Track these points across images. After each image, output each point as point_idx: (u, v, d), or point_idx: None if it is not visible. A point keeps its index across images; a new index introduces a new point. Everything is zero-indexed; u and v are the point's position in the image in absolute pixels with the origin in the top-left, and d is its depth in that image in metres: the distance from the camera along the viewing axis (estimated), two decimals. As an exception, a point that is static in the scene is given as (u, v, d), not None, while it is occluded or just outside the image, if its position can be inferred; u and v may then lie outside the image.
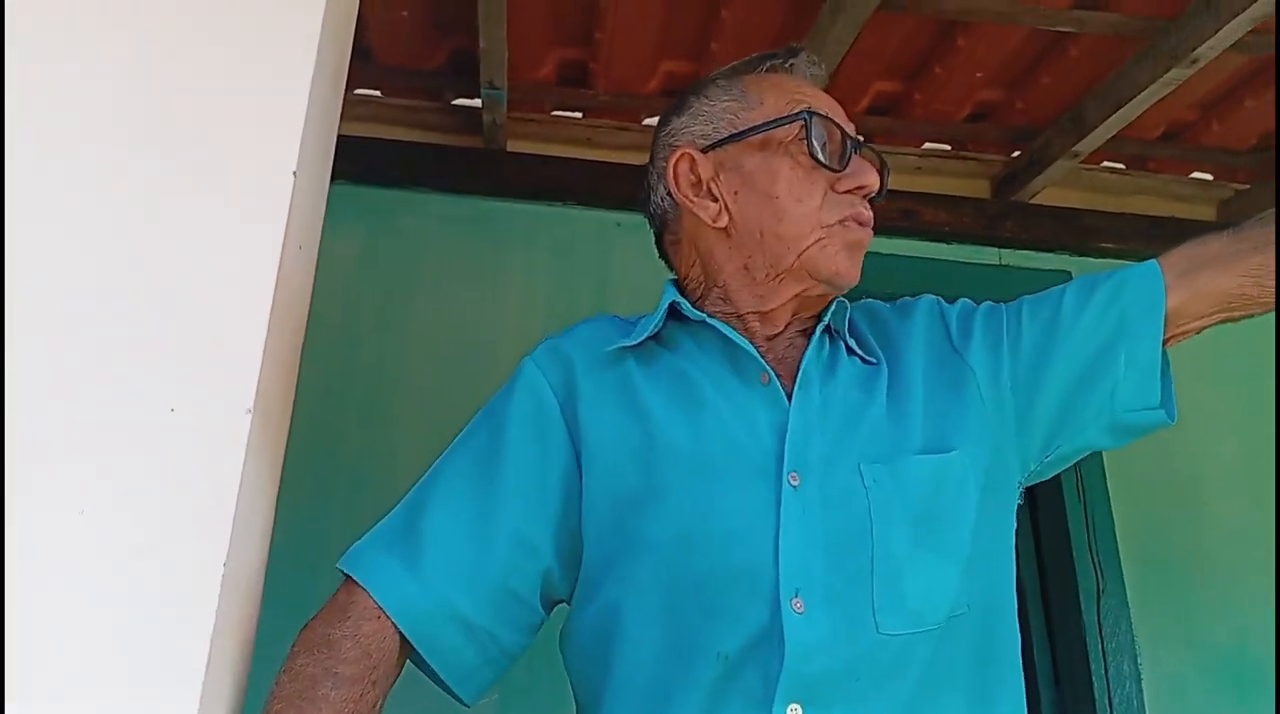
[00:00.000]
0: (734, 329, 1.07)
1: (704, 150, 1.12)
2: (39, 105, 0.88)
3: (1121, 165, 2.60)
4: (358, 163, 2.27)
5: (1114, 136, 2.24)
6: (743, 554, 0.92)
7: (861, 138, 1.11)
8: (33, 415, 0.78)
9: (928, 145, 2.53)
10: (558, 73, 2.30)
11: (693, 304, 1.11)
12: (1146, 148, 2.48)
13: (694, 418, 1.02)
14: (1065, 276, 2.48)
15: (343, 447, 2.13)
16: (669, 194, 1.15)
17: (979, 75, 2.21)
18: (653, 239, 1.25)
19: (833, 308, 1.10)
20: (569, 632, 1.05)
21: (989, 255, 2.52)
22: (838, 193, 1.07)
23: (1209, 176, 2.63)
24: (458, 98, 2.38)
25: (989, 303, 1.16)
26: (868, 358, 1.09)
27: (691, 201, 1.12)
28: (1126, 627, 2.20)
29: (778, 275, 1.07)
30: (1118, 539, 2.26)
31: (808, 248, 1.05)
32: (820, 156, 1.05)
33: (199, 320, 0.86)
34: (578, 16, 2.10)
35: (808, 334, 1.10)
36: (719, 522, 0.95)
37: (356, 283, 2.27)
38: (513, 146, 2.40)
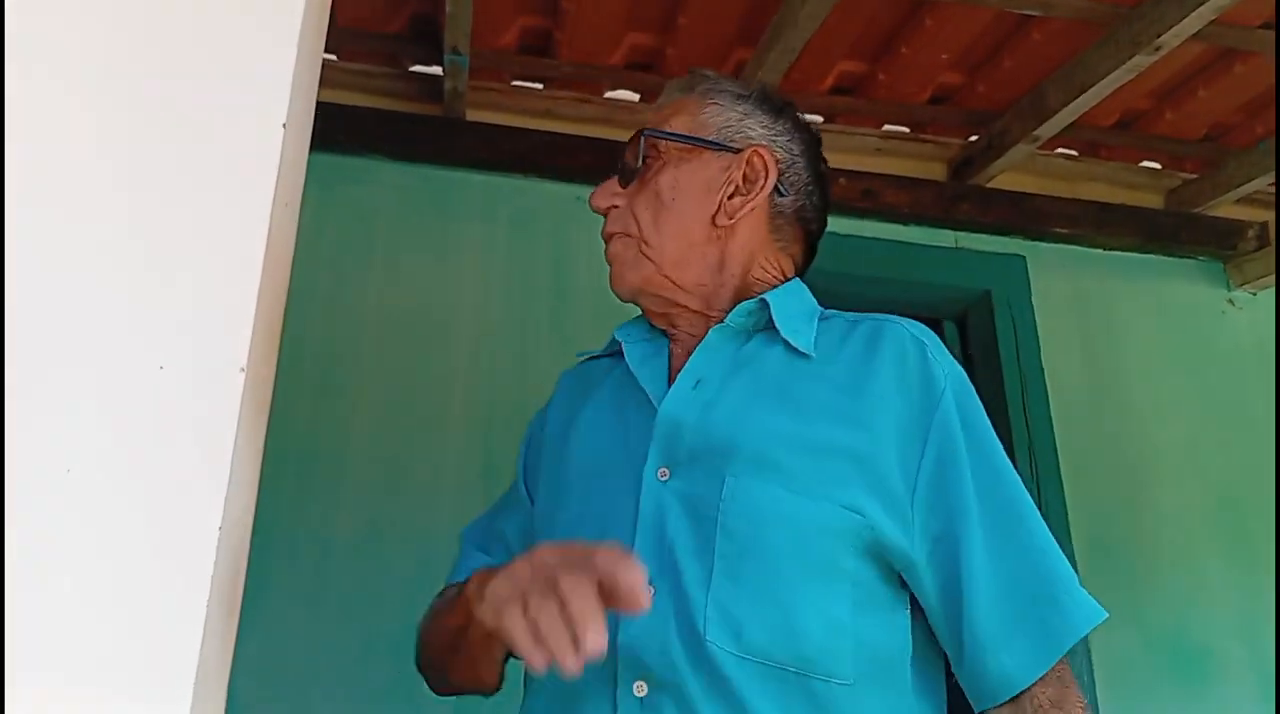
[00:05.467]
0: (657, 341, 1.13)
1: None
2: (25, 59, 0.83)
3: (1075, 152, 2.64)
4: (312, 128, 2.20)
5: (1070, 123, 2.26)
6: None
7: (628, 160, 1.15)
8: (23, 374, 0.74)
9: (888, 127, 2.54)
10: (520, 41, 2.26)
11: None
12: (1100, 134, 2.52)
13: (596, 428, 1.11)
14: (1019, 260, 2.53)
15: (294, 416, 2.07)
16: None
17: (944, 57, 2.22)
18: None
19: (741, 308, 1.05)
20: None
21: (945, 237, 2.54)
22: None
23: (1158, 165, 2.68)
24: (415, 64, 2.33)
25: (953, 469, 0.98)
26: (802, 351, 1.02)
27: None
28: (1074, 605, 2.24)
29: None
30: (1069, 522, 2.30)
31: None
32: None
33: (191, 278, 0.83)
34: (544, -17, 2.06)
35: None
36: (593, 519, 1.02)
37: (309, 251, 2.20)
38: (472, 116, 2.35)
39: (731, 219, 1.08)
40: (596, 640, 0.72)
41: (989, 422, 1.00)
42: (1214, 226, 2.63)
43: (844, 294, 2.51)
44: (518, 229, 2.35)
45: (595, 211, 1.14)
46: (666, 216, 1.08)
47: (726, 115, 1.11)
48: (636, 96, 2.44)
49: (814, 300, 1.10)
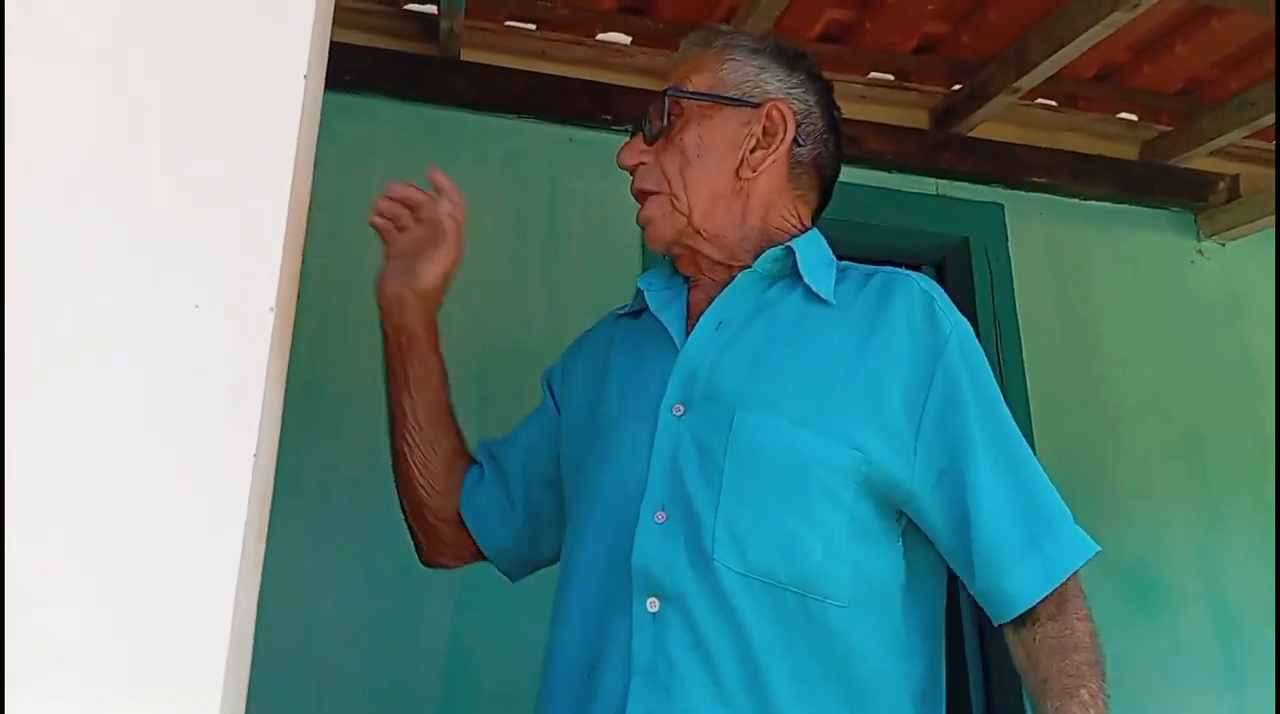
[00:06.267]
0: (676, 286, 1.21)
1: None
2: (47, 24, 0.89)
3: (1054, 103, 2.70)
4: (309, 66, 2.24)
5: (1050, 75, 2.32)
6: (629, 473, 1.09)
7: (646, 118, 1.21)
8: (61, 313, 0.80)
9: (873, 75, 2.59)
10: (514, -18, 2.29)
11: None
12: (1079, 86, 2.58)
13: (618, 372, 1.20)
14: (997, 208, 2.60)
15: (294, 360, 2.13)
16: None
17: (929, 7, 2.27)
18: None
19: (769, 255, 1.13)
20: None
21: (927, 185, 2.61)
22: None
23: (1134, 117, 2.75)
24: (412, 2, 2.36)
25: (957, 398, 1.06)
26: (822, 297, 1.09)
27: None
28: (1038, 540, 2.35)
29: None
30: (1037, 459, 2.40)
31: None
32: None
33: (222, 224, 0.89)
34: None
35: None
36: (614, 453, 1.11)
37: (307, 188, 2.26)
38: (466, 55, 2.38)
39: (755, 172, 1.15)
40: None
41: (991, 372, 1.08)
42: (1186, 178, 2.71)
43: (826, 239, 2.58)
44: (510, 169, 2.39)
45: (622, 168, 1.20)
46: (693, 172, 1.14)
47: (744, 70, 1.17)
48: (628, 39, 2.48)
49: (830, 251, 1.17)
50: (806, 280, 1.09)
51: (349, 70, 2.30)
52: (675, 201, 1.15)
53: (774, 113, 1.15)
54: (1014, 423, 1.07)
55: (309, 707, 1.92)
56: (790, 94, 1.17)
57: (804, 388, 1.04)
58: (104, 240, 0.85)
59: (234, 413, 0.84)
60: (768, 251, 1.12)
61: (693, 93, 1.17)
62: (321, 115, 2.43)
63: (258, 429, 0.84)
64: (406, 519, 1.31)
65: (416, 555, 1.31)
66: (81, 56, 0.88)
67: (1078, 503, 2.33)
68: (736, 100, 1.16)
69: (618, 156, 1.20)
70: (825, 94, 1.22)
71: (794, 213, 1.18)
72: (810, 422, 1.02)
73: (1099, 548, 1.05)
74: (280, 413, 1.00)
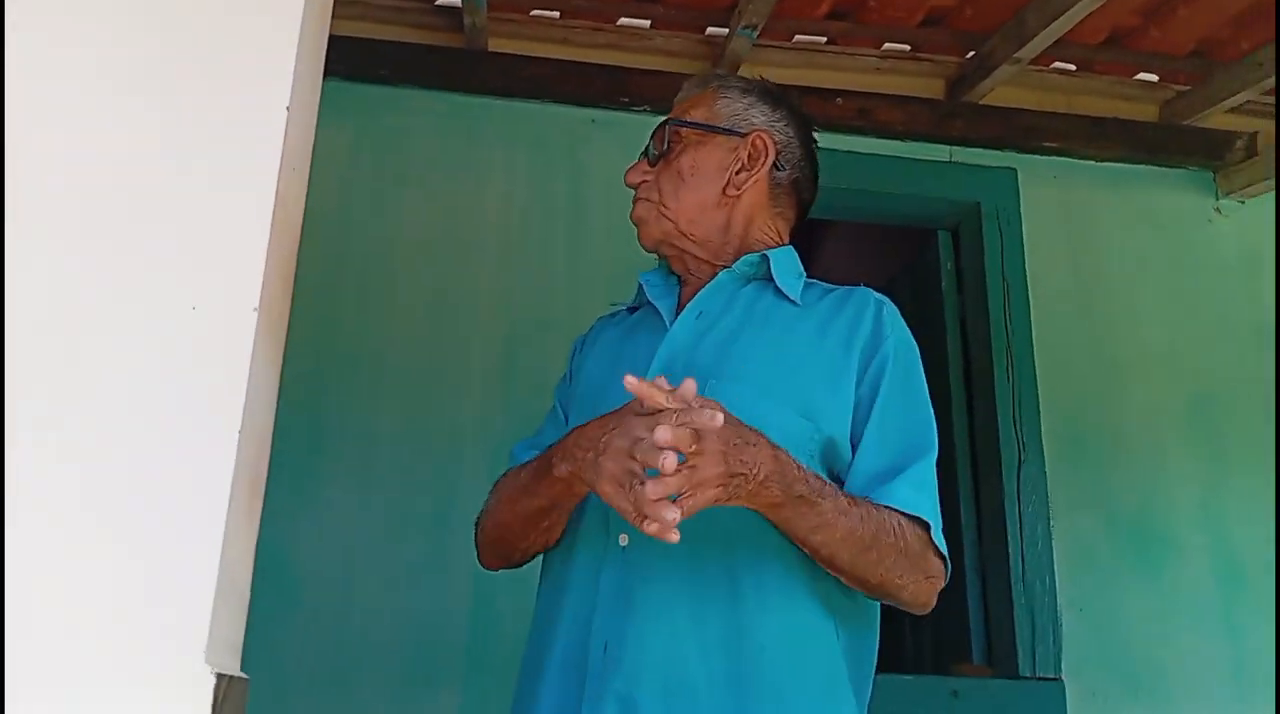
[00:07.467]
0: (671, 283, 1.37)
1: None
2: (43, 29, 1.03)
3: (1072, 66, 2.75)
4: (349, 61, 2.43)
5: (1058, 40, 2.38)
6: None
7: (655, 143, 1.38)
8: (50, 306, 0.96)
9: (887, 46, 2.68)
10: (537, -27, 2.44)
11: None
12: (1090, 52, 2.63)
13: (612, 352, 1.37)
14: (1010, 174, 2.68)
15: (339, 328, 2.36)
16: None
17: (930, -17, 2.36)
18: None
19: (746, 259, 1.31)
20: None
21: (939, 152, 2.70)
22: None
23: (1154, 78, 2.78)
24: (442, -2, 2.53)
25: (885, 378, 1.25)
26: (790, 297, 1.29)
27: None
28: (1042, 495, 2.46)
29: None
30: (1041, 416, 2.51)
31: None
32: None
33: (209, 235, 1.05)
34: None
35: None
36: (604, 411, 1.24)
37: (348, 175, 2.46)
38: (493, 45, 2.55)
39: (739, 190, 1.34)
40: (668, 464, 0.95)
41: (923, 376, 1.26)
42: (1203, 137, 2.74)
43: (842, 207, 2.70)
44: (537, 152, 2.57)
45: (628, 186, 1.38)
46: (684, 189, 1.33)
47: (734, 106, 1.37)
48: (647, 23, 2.62)
49: (801, 265, 1.36)
50: (778, 283, 1.29)
51: (385, 65, 2.49)
52: (663, 209, 1.33)
53: (758, 141, 1.34)
54: (929, 424, 1.24)
55: (355, 635, 2.17)
56: (773, 126, 1.36)
57: (768, 367, 1.22)
58: (94, 241, 0.99)
59: (219, 405, 1.00)
60: (746, 256, 1.32)
61: (689, 122, 1.37)
62: (365, 108, 2.62)
63: (240, 420, 1.00)
64: (486, 550, 1.39)
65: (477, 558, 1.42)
66: (73, 61, 1.02)
67: (1084, 459, 2.48)
68: (726, 130, 1.35)
69: (625, 176, 1.39)
70: (805, 128, 1.41)
71: (773, 228, 1.37)
72: (772, 393, 1.20)
73: (930, 521, 1.15)
74: (273, 400, 1.16)
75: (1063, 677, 2.33)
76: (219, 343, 1.03)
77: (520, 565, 1.35)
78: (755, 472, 1.01)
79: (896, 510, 1.13)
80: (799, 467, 1.06)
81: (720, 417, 0.96)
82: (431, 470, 2.29)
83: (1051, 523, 2.45)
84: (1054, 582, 2.39)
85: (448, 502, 2.26)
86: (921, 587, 1.15)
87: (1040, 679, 2.32)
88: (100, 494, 0.94)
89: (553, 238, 2.51)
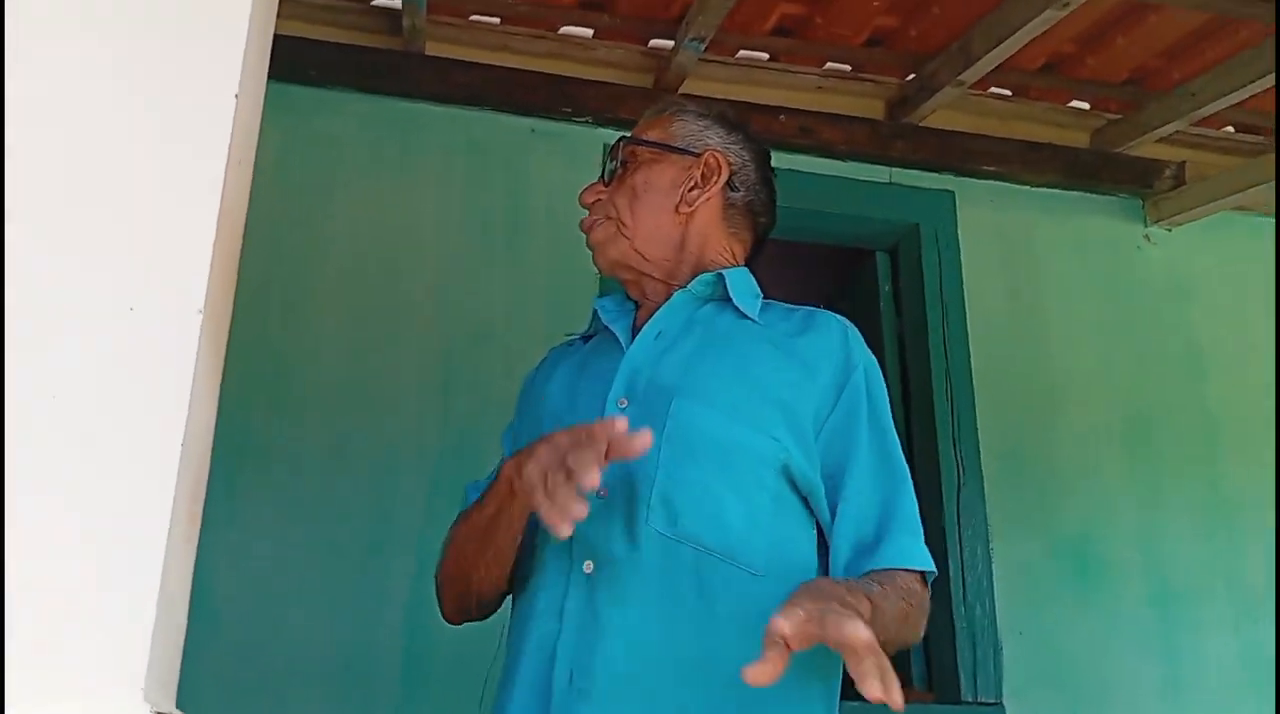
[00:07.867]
0: (626, 308, 1.34)
1: None
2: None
3: (1008, 92, 2.78)
4: (280, 62, 2.30)
5: (998, 66, 2.40)
6: None
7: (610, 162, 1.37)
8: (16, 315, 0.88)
9: (829, 65, 2.67)
10: (477, -23, 2.37)
11: None
12: (1028, 78, 2.66)
13: (570, 378, 1.33)
14: (948, 196, 2.69)
15: (265, 341, 2.24)
16: None
17: (876, 3, 2.35)
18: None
19: (702, 278, 1.29)
20: None
21: (880, 173, 2.69)
22: None
23: (1085, 105, 2.82)
24: (377, -1, 2.44)
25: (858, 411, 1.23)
26: (747, 315, 1.27)
27: None
28: (981, 518, 2.46)
29: None
30: (979, 439, 2.50)
31: None
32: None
33: (154, 232, 0.97)
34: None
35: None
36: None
37: (277, 180, 2.35)
38: (431, 50, 2.47)
39: (691, 208, 1.32)
40: (591, 481, 0.96)
41: (889, 403, 1.25)
42: (1133, 165, 2.79)
43: (782, 226, 2.65)
44: (475, 160, 2.49)
45: (582, 206, 1.36)
46: (639, 205, 1.32)
47: (690, 128, 1.36)
48: (590, 32, 2.56)
49: (758, 286, 1.33)
50: (736, 302, 1.26)
51: (315, 65, 2.38)
52: (621, 227, 1.31)
53: (711, 159, 1.33)
54: (899, 450, 1.23)
55: (280, 673, 2.04)
56: (728, 148, 1.35)
57: (733, 384, 1.19)
58: (46, 242, 0.93)
59: (165, 403, 0.92)
60: (701, 275, 1.29)
61: (644, 140, 1.36)
62: (294, 108, 2.52)
63: (185, 418, 0.93)
64: (446, 596, 1.34)
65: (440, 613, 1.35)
66: (21, 62, 0.96)
67: (1022, 481, 2.47)
68: (680, 149, 1.34)
69: (580, 195, 1.37)
70: (762, 154, 1.40)
71: (728, 248, 1.35)
72: (737, 414, 1.17)
73: (932, 569, 1.16)
74: (215, 404, 1.08)
75: (1004, 700, 2.32)
76: (159, 349, 0.95)
77: (479, 617, 1.30)
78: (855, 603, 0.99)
79: (907, 571, 1.14)
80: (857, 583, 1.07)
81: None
82: (363, 492, 2.18)
83: (991, 546, 2.44)
84: (994, 605, 2.38)
85: (380, 525, 2.15)
86: (924, 624, 1.17)
87: (981, 704, 2.30)
88: (30, 516, 0.86)
89: (490, 249, 2.43)
